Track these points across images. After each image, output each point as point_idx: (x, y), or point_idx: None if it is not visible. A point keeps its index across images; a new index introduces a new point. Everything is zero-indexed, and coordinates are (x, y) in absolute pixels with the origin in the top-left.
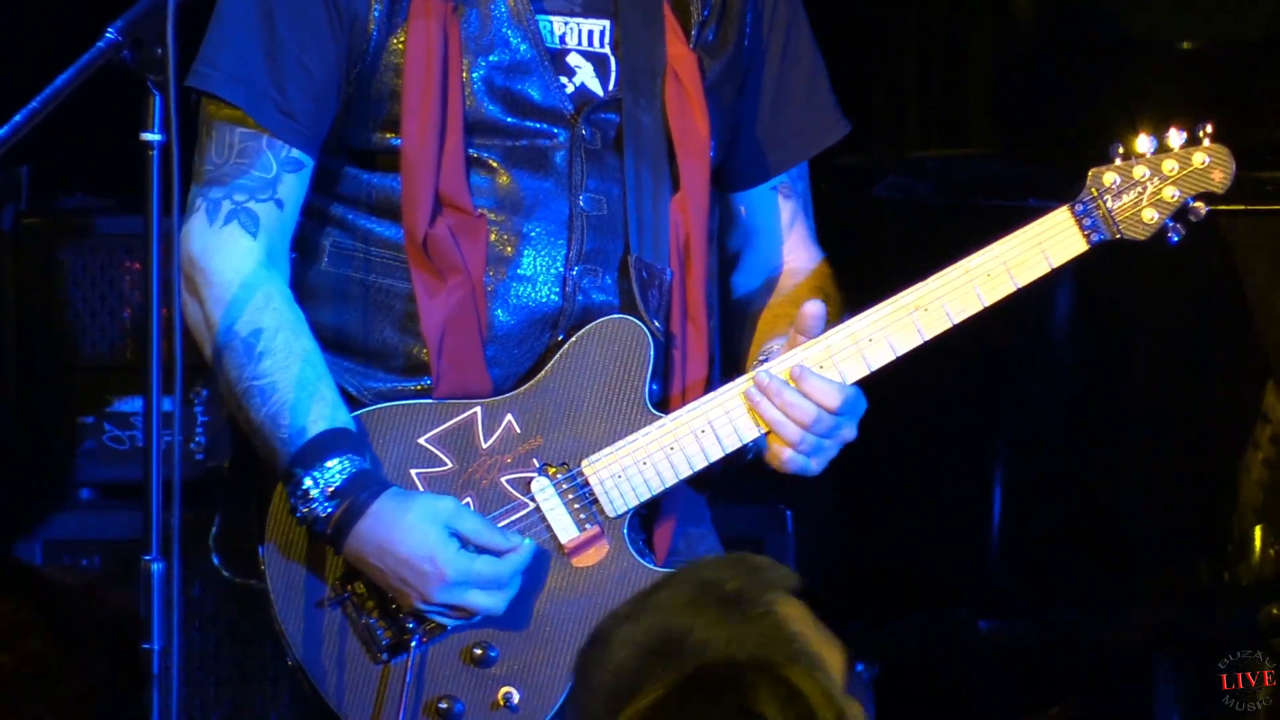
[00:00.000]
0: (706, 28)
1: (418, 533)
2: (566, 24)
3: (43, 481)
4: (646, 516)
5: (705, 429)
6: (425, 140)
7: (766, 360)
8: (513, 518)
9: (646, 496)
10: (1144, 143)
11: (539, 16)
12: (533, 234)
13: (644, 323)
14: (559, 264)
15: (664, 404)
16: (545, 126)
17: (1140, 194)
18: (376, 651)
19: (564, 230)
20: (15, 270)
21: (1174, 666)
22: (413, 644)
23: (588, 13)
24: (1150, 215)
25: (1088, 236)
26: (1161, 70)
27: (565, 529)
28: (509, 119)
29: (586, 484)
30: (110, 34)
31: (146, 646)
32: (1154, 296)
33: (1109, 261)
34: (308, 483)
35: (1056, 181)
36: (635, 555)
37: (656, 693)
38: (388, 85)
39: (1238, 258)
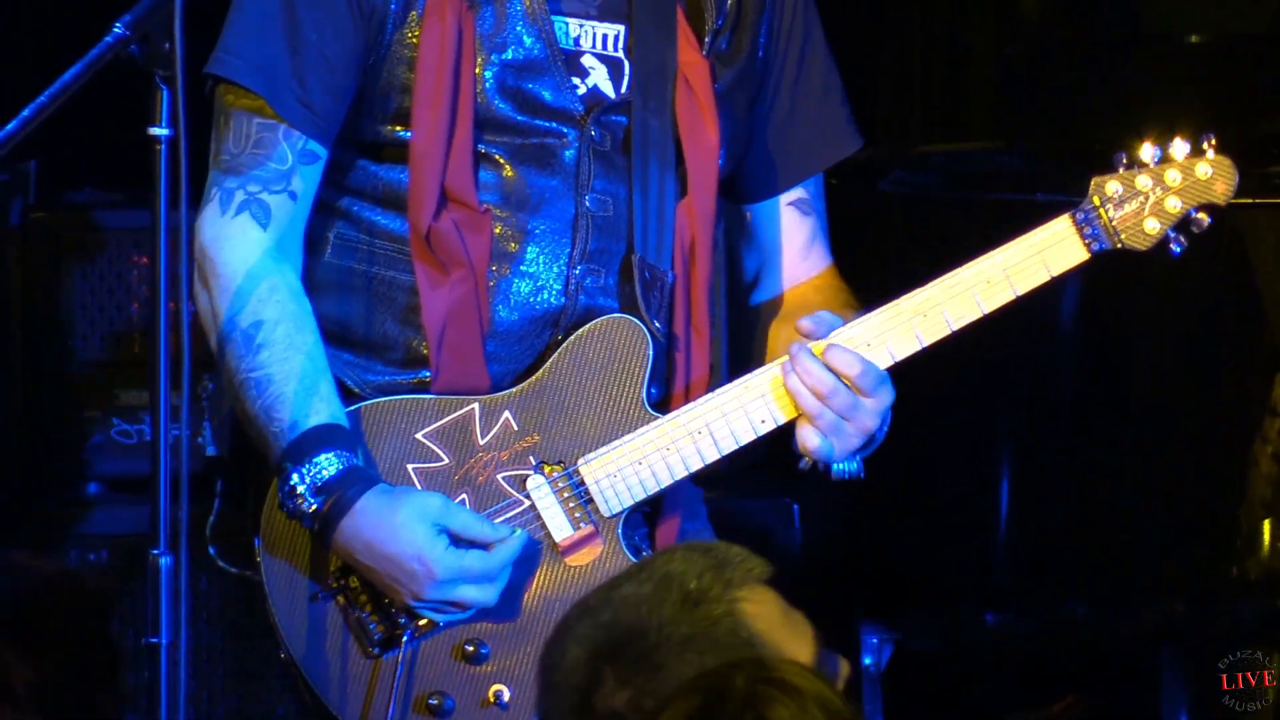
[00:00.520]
0: (720, 36)
1: (406, 531)
2: (582, 26)
3: (50, 476)
4: (650, 514)
5: (702, 430)
6: (435, 134)
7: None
8: (508, 515)
9: (642, 497)
10: (1147, 152)
11: (555, 17)
12: (537, 231)
13: (644, 322)
14: (562, 262)
15: (665, 407)
16: (555, 126)
17: (1142, 204)
18: (368, 646)
19: (568, 229)
20: (23, 265)
21: (1181, 662)
22: (404, 639)
23: (603, 16)
24: (1152, 225)
25: (1088, 245)
26: (1168, 64)
27: (560, 527)
28: (519, 117)
29: (582, 483)
30: (118, 29)
31: (154, 640)
32: (1161, 289)
33: (1115, 254)
34: (295, 478)
35: (1063, 176)
36: (629, 555)
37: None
38: (399, 78)
39: (1245, 250)
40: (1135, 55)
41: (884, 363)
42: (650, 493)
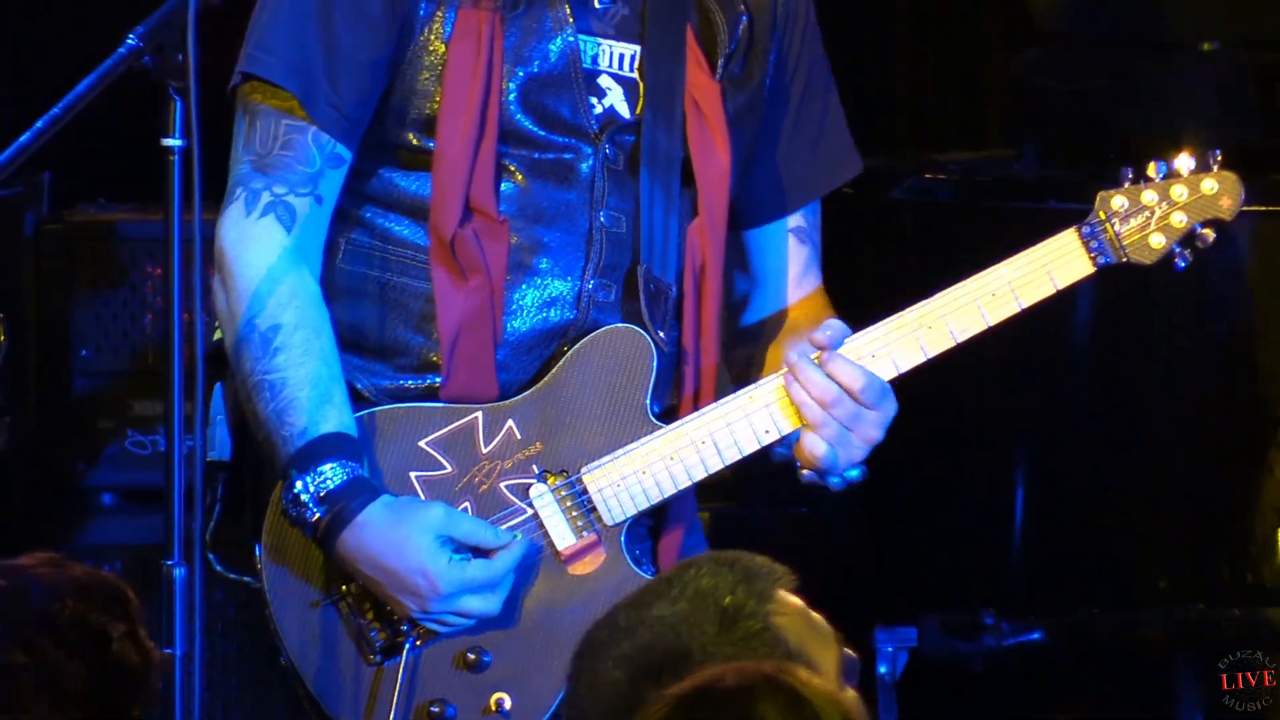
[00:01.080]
0: (733, 61)
1: (410, 546)
2: (600, 45)
3: (65, 487)
4: (653, 526)
5: (706, 440)
6: (463, 145)
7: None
8: (510, 523)
9: (645, 506)
10: (1153, 167)
11: (580, 36)
12: (553, 244)
13: (648, 333)
14: (576, 276)
15: (671, 420)
16: (572, 142)
17: (1148, 219)
18: (370, 653)
19: (583, 243)
20: (37, 276)
21: (1196, 666)
22: (406, 646)
23: (620, 36)
24: (1157, 240)
25: (1094, 259)
26: (1183, 71)
27: (562, 536)
28: (539, 131)
29: (585, 492)
30: (131, 40)
31: (169, 651)
32: (1176, 296)
33: (1120, 269)
34: (299, 485)
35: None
36: (631, 564)
37: (661, 710)
38: (422, 87)
39: (1259, 258)
40: (1148, 63)
41: (889, 373)
42: (653, 502)
